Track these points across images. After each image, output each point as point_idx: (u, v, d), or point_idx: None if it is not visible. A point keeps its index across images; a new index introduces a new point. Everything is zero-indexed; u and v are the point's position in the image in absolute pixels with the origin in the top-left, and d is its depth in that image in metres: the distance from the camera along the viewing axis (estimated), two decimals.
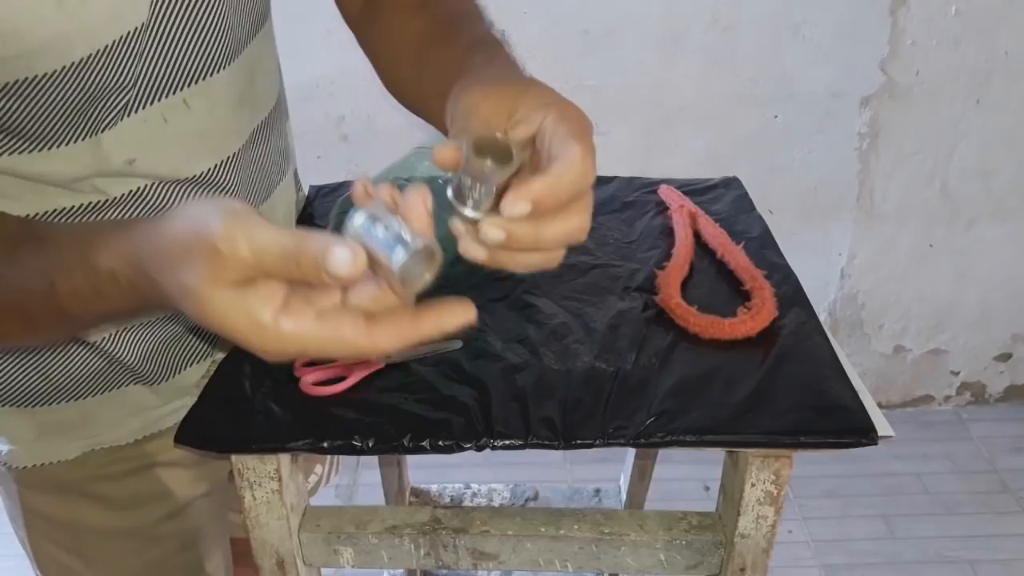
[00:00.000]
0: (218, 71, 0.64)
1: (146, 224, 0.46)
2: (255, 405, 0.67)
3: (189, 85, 0.62)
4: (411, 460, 1.36)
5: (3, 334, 0.58)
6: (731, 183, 0.98)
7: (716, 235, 0.85)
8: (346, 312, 0.43)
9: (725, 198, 0.95)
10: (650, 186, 0.96)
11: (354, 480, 1.82)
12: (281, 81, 0.83)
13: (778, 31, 1.57)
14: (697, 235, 0.87)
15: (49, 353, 0.68)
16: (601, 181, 0.98)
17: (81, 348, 0.68)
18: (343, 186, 0.97)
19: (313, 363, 0.70)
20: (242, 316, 0.42)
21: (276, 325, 0.42)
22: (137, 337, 0.70)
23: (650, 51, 1.58)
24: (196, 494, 0.80)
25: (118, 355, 0.69)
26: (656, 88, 1.61)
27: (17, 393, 0.70)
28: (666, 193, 0.93)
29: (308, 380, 0.68)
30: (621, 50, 1.57)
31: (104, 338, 0.68)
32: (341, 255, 0.39)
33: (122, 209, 0.63)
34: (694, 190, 0.95)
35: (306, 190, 0.96)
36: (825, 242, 1.79)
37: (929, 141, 1.68)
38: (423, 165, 0.85)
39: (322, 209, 0.93)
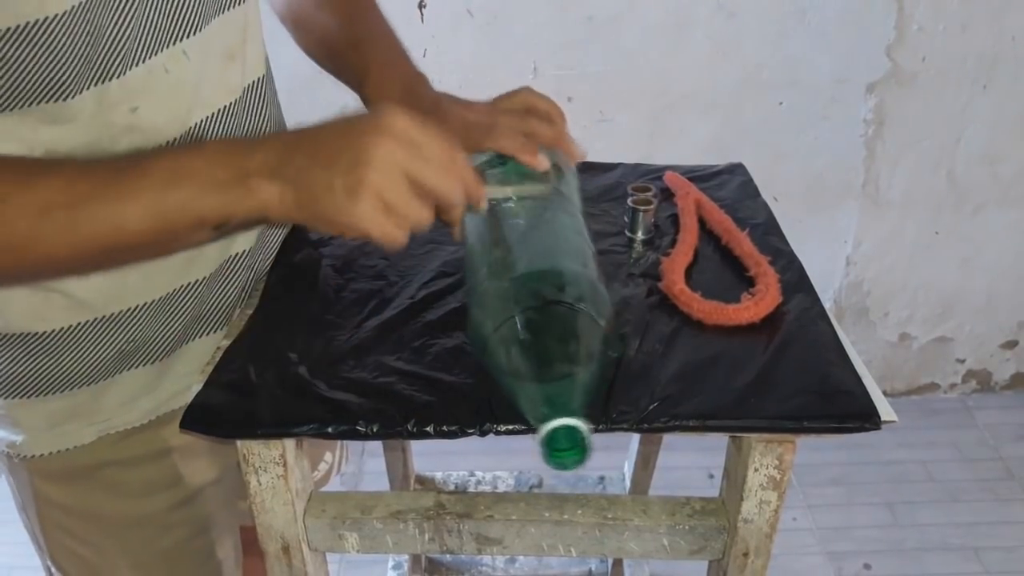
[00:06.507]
0: (212, 19, 0.66)
1: None
2: (260, 390, 0.67)
3: (189, 36, 0.64)
4: (416, 448, 1.36)
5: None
6: (736, 169, 0.98)
7: (721, 221, 0.85)
8: None
9: (730, 184, 0.94)
10: (655, 172, 0.96)
11: (359, 468, 1.83)
12: (269, 68, 0.83)
13: (783, 17, 1.56)
14: (701, 221, 0.86)
15: (61, 342, 0.69)
16: (605, 168, 0.98)
17: (93, 331, 0.69)
18: None
19: None
20: None
21: None
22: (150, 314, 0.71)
23: (655, 37, 1.57)
24: (208, 480, 0.81)
25: (132, 333, 0.70)
26: (661, 74, 1.61)
27: (29, 384, 0.70)
28: (671, 179, 0.93)
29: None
30: (626, 36, 1.56)
31: (118, 313, 0.69)
32: None
33: None
34: (699, 176, 0.95)
35: None
36: (831, 229, 1.78)
37: (935, 127, 1.67)
38: None
39: None
